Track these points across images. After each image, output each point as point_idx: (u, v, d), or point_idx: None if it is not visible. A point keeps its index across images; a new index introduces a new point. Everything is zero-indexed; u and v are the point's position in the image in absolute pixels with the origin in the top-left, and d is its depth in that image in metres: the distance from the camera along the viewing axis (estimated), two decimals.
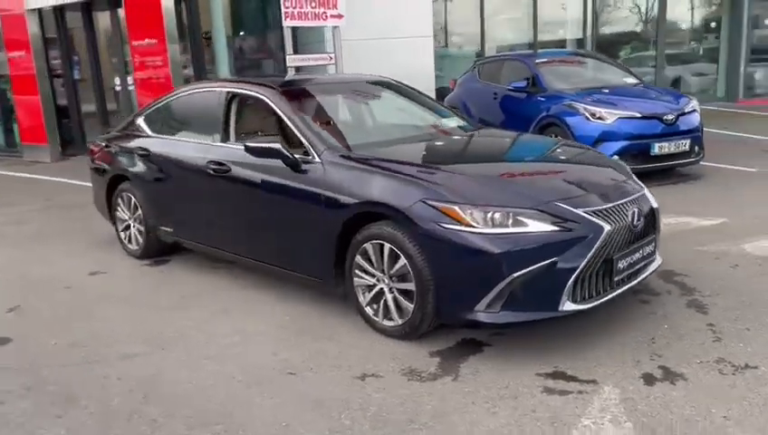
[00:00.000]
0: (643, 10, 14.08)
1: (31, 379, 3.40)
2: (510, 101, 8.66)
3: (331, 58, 8.82)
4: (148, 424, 2.91)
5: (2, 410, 3.10)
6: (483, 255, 3.19)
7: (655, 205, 3.83)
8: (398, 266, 3.51)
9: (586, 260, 3.25)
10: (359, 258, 3.71)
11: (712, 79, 15.24)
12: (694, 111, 7.65)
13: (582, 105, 7.49)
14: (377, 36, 10.16)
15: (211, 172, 4.53)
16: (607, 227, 3.34)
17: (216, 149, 4.58)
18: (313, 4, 8.46)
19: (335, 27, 8.85)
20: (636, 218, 3.55)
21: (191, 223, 4.93)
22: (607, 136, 7.23)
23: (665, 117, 7.34)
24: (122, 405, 3.09)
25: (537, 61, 8.63)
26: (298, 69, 8.65)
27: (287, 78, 4.86)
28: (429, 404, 2.96)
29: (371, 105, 4.91)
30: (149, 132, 5.32)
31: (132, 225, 5.47)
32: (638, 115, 7.33)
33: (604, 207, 3.43)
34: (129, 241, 5.53)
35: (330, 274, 3.91)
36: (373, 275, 3.68)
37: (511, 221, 3.24)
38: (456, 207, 3.29)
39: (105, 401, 3.13)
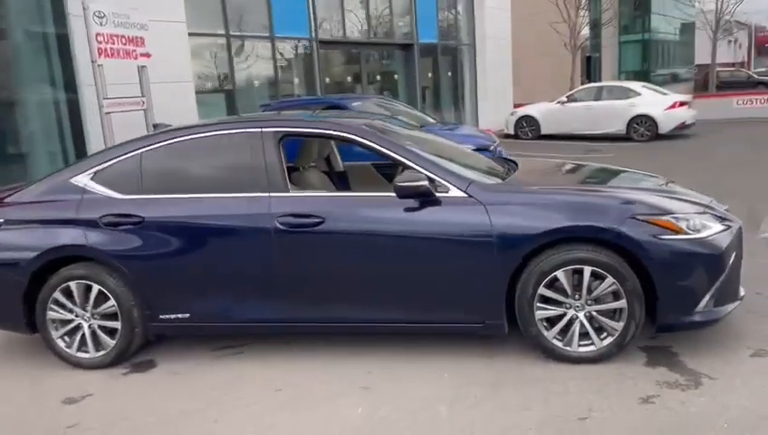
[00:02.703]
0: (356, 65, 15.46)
1: None
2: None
3: (143, 103, 7.55)
4: None
5: None
6: (706, 258, 3.46)
7: None
8: (602, 287, 3.49)
9: (742, 249, 3.79)
10: (543, 289, 3.54)
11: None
12: (499, 142, 8.92)
13: None
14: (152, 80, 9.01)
15: (283, 229, 3.67)
16: (741, 221, 3.94)
17: (290, 200, 3.73)
18: (123, 41, 7.16)
19: (143, 67, 7.63)
20: None
21: (237, 300, 3.83)
22: None
23: (490, 148, 8.39)
24: None
25: (354, 104, 8.85)
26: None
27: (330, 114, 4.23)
28: (752, 408, 3.05)
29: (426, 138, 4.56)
30: (115, 194, 3.91)
31: (88, 324, 3.94)
32: (474, 147, 8.21)
33: (726, 207, 4.03)
34: (82, 347, 3.97)
35: (497, 314, 3.62)
36: (561, 304, 3.56)
37: (701, 225, 3.57)
38: (671, 218, 3.48)
39: None
